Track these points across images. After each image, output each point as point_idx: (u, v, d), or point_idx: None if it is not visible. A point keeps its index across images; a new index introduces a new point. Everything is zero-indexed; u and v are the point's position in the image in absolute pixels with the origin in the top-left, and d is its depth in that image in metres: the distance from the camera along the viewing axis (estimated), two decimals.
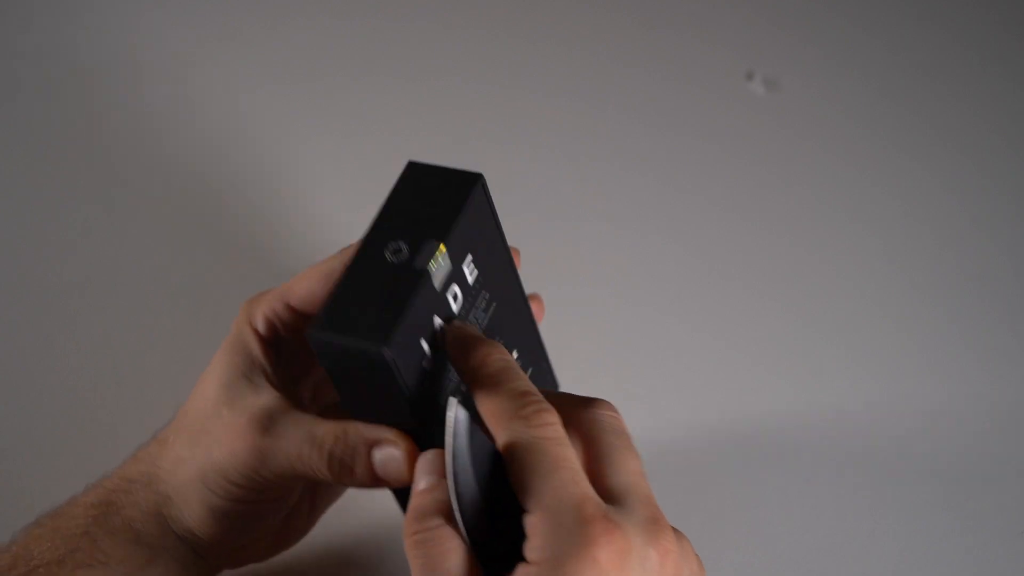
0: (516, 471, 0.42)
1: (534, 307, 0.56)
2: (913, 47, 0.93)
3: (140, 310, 0.75)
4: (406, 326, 0.45)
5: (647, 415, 0.67)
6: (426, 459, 0.45)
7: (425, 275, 0.46)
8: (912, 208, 0.82)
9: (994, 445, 0.68)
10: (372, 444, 0.48)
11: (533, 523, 0.41)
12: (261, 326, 0.52)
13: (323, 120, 0.87)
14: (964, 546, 0.64)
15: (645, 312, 0.75)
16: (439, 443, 0.45)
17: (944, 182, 0.83)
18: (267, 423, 0.49)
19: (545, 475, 0.41)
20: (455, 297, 0.48)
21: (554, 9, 0.96)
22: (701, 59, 0.92)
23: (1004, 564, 0.63)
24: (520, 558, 0.41)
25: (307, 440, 0.48)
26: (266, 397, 0.50)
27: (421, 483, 0.44)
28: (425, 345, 0.47)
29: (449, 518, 0.42)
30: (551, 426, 0.43)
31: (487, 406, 0.44)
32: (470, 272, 0.49)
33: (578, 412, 0.45)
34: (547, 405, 0.44)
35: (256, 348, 0.51)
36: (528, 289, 0.55)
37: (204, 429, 0.51)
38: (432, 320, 0.47)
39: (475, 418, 0.44)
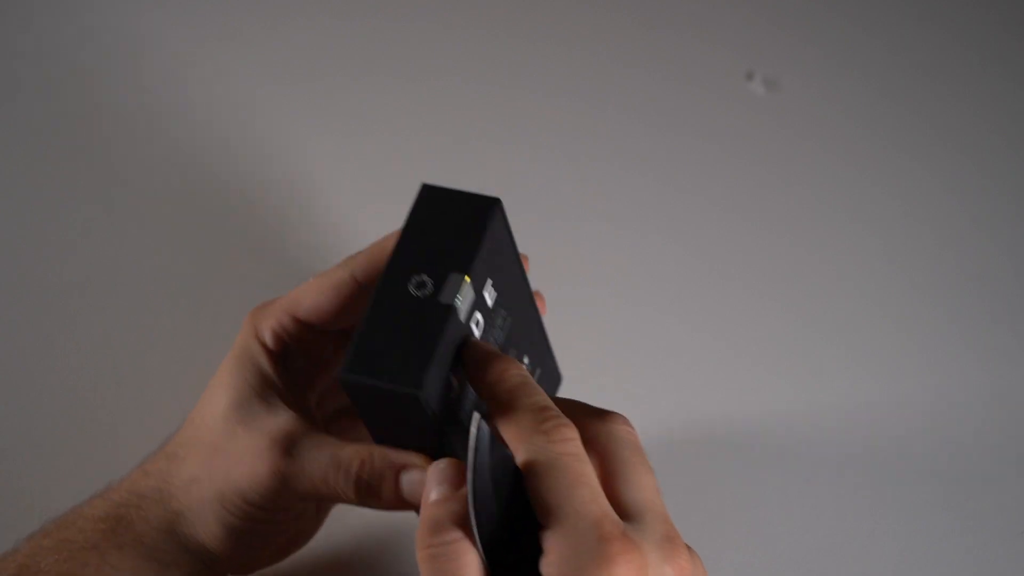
0: (535, 487, 0.42)
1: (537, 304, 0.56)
2: (913, 47, 0.93)
3: (140, 310, 0.75)
4: (437, 364, 0.45)
5: (647, 415, 0.67)
6: (438, 468, 0.44)
7: (452, 310, 0.46)
8: (912, 208, 0.82)
9: (994, 445, 0.68)
10: (399, 469, 0.47)
11: (551, 539, 0.41)
12: (270, 340, 0.52)
13: (323, 120, 0.87)
14: (964, 546, 0.64)
15: (645, 312, 0.75)
16: (450, 451, 0.45)
17: (944, 182, 0.83)
18: (288, 446, 0.49)
19: (565, 492, 0.41)
20: (477, 323, 0.48)
21: (554, 9, 0.96)
22: (701, 59, 0.92)
23: (1004, 564, 0.63)
24: (536, 574, 0.41)
25: (332, 464, 0.48)
26: (284, 418, 0.50)
27: (433, 493, 0.44)
28: (452, 376, 0.47)
29: (464, 530, 0.42)
30: (571, 441, 0.43)
31: (506, 422, 0.44)
32: (490, 296, 0.49)
33: (595, 426, 0.45)
34: (566, 420, 0.43)
35: (266, 364, 0.51)
36: None
37: (218, 448, 0.50)
38: (457, 350, 0.47)
39: (494, 433, 0.44)
